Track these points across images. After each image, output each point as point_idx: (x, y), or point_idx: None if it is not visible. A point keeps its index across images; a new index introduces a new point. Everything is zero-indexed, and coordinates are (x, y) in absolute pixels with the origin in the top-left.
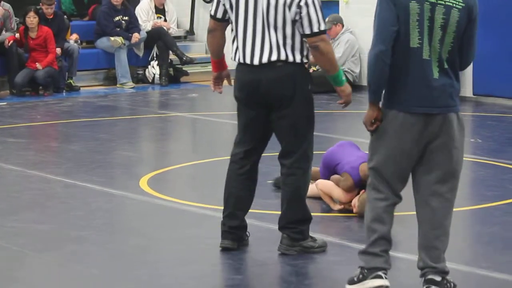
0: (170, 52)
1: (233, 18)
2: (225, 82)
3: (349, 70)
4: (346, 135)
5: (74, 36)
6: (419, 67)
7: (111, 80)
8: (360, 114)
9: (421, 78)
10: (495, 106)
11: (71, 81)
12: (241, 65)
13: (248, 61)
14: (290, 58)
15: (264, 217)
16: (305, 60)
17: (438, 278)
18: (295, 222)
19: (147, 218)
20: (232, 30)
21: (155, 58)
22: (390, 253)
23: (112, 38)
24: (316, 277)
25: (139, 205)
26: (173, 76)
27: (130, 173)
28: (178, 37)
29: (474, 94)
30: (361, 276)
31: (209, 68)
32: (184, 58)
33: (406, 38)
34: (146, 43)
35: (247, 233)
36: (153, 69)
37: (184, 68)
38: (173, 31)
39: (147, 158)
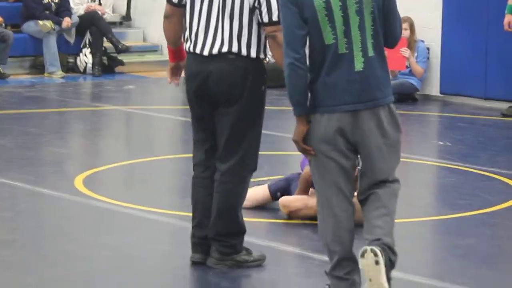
0: (104, 39)
1: (188, 3)
2: (183, 73)
3: None
4: None
5: None
6: (337, 63)
7: (38, 68)
8: None
9: (340, 74)
10: (465, 106)
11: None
12: (191, 55)
13: (198, 51)
14: (244, 52)
15: None
16: (261, 56)
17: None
18: (225, 235)
19: (82, 221)
20: (185, 16)
21: (87, 45)
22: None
23: (41, 22)
24: None
25: (73, 206)
26: (107, 65)
27: (62, 171)
28: (113, 23)
29: (441, 93)
30: None
31: (147, 57)
32: (120, 46)
33: (319, 37)
34: (78, 28)
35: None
36: (85, 58)
37: (119, 57)
38: (108, 16)
39: (81, 156)
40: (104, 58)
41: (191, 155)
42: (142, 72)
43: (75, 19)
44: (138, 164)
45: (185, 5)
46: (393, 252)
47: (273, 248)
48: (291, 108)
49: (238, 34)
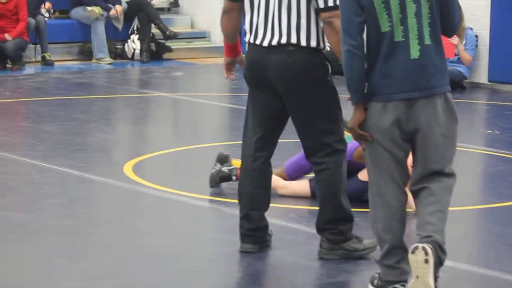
0: (152, 25)
1: None
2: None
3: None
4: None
5: (47, 4)
6: (392, 51)
7: (86, 54)
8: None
9: (396, 62)
10: None
11: (46, 55)
12: (252, 46)
13: (258, 42)
14: (303, 43)
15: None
16: (321, 46)
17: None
18: (332, 221)
19: (134, 208)
20: (244, 10)
21: (135, 32)
22: None
23: (89, 8)
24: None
25: (124, 193)
26: (155, 52)
27: (111, 158)
28: (161, 9)
29: (489, 81)
30: (379, 283)
31: (195, 44)
32: (168, 33)
33: (376, 24)
34: (126, 14)
35: (270, 232)
36: (133, 44)
37: (167, 44)
38: (156, 2)
39: (129, 142)
40: (152, 44)
41: (238, 142)
42: (190, 58)
43: (124, 5)
44: (186, 151)
45: (243, 0)
46: (443, 250)
47: (301, 231)
48: (348, 96)
49: (296, 25)
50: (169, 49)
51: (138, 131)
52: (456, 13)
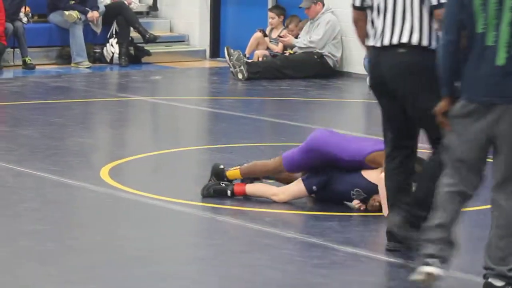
0: (132, 29)
1: (374, 1)
2: None
3: (329, 54)
4: (326, 125)
5: (26, 8)
6: (482, 53)
7: (65, 58)
8: (341, 102)
9: (483, 66)
10: None
11: (27, 59)
12: (370, 48)
13: (376, 43)
14: (415, 42)
15: (240, 214)
16: (432, 45)
17: (498, 283)
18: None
19: (109, 212)
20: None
21: (114, 36)
22: None
23: (66, 13)
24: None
25: (100, 197)
26: (134, 56)
27: (88, 162)
28: (140, 13)
29: None
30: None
31: (174, 48)
32: (147, 36)
33: (471, 23)
34: (104, 18)
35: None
36: (112, 48)
37: (146, 48)
38: (135, 6)
39: (107, 146)
40: (131, 48)
41: (217, 146)
42: (168, 62)
43: (102, 8)
44: (163, 155)
45: (367, 7)
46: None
47: (297, 240)
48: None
49: (409, 25)
50: (148, 53)
51: (116, 135)
52: None
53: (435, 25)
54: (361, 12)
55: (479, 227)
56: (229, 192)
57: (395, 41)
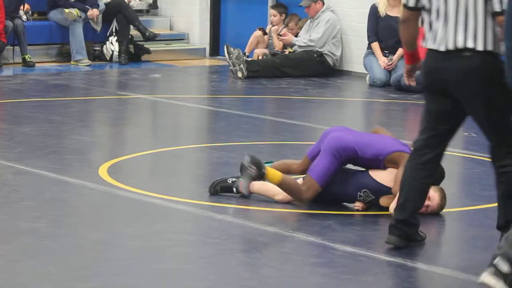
0: (131, 27)
1: (426, 3)
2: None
3: (329, 53)
4: (326, 124)
5: (26, 6)
6: None
7: (64, 56)
8: (340, 101)
9: None
10: None
11: (26, 56)
12: (429, 51)
13: (436, 47)
14: (480, 47)
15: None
16: (497, 50)
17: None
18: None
19: (107, 210)
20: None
21: (114, 34)
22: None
23: (66, 10)
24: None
25: (98, 195)
26: (134, 53)
27: (87, 160)
28: (140, 11)
29: None
30: None
31: (173, 46)
32: (147, 34)
33: None
34: (104, 16)
35: (420, 233)
36: (112, 46)
37: (146, 46)
38: (135, 3)
39: (106, 144)
40: (131, 46)
41: (216, 144)
42: (168, 60)
43: (102, 6)
44: (163, 153)
45: (421, 8)
46: None
47: (295, 238)
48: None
49: (473, 29)
50: (148, 51)
51: (115, 133)
52: None
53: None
54: (414, 13)
55: (477, 226)
56: (234, 190)
57: (460, 45)
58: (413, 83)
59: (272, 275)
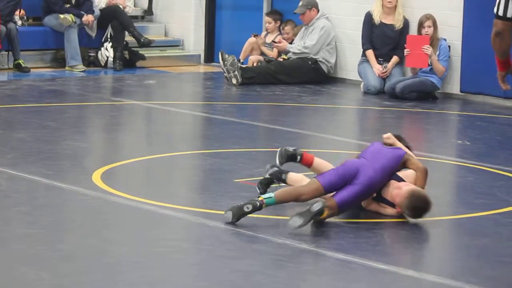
0: (126, 33)
1: None
2: None
3: (323, 60)
4: (319, 131)
5: (21, 11)
6: None
7: (59, 62)
8: (334, 108)
9: None
10: (485, 105)
11: (21, 62)
12: None
13: None
14: None
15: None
16: None
17: None
18: None
19: (101, 216)
20: None
21: (109, 39)
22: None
23: (61, 16)
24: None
25: (91, 201)
26: (129, 60)
27: (81, 166)
28: (135, 17)
29: (461, 92)
30: None
31: (168, 52)
32: (142, 40)
33: None
34: (99, 22)
35: None
36: (107, 52)
37: (140, 52)
38: (130, 10)
39: (100, 150)
40: (126, 52)
41: (210, 151)
42: (163, 67)
43: (97, 12)
44: (156, 160)
45: None
46: None
47: (288, 246)
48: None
49: None
50: (143, 57)
51: (109, 139)
52: None
53: None
54: (508, 23)
55: (470, 234)
56: (298, 158)
57: None
58: (506, 88)
59: (264, 282)
